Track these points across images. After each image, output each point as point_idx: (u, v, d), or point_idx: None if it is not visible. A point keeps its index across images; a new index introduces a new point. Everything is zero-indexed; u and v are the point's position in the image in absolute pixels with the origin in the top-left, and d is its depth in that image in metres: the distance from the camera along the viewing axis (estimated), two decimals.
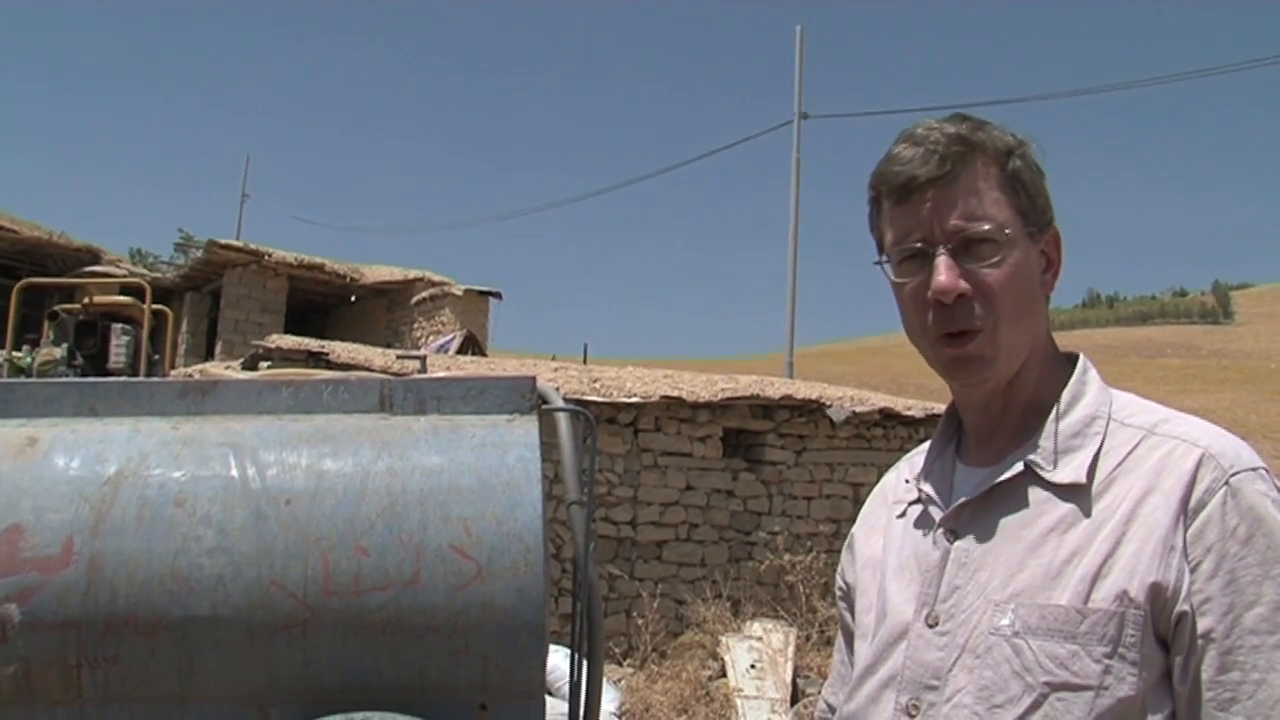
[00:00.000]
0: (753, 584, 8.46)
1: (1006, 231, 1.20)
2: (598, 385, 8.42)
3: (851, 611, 1.43)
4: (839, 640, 1.52)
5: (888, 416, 9.27)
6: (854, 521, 1.49)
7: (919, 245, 1.22)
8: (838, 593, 1.50)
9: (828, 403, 8.92)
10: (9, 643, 0.95)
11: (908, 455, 1.46)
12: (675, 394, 8.37)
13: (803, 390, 9.23)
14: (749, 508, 8.73)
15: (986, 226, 1.19)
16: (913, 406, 9.46)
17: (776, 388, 9.08)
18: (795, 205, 17.71)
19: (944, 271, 1.19)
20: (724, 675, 7.39)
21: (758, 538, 8.65)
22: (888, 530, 1.38)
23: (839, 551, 8.31)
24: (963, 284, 1.19)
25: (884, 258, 1.28)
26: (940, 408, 9.33)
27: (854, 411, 8.98)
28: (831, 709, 1.48)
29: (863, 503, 1.47)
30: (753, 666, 7.26)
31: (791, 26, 18.69)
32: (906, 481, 1.37)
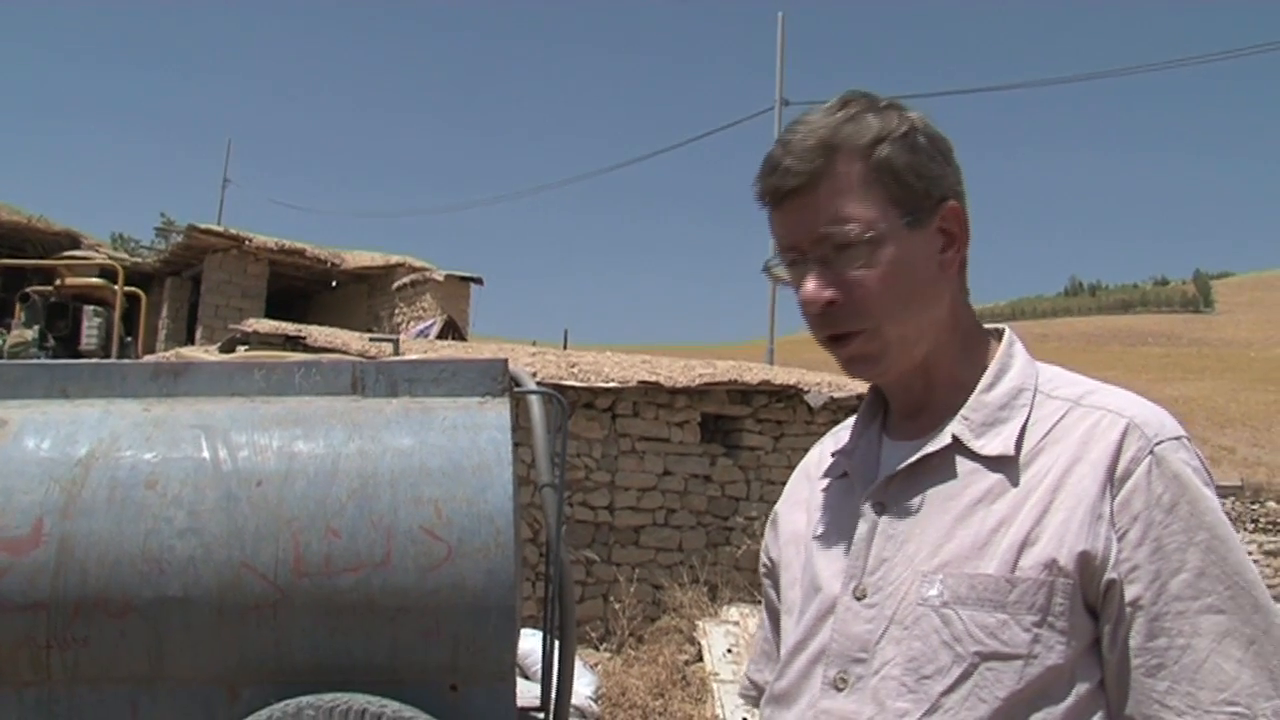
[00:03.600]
0: (730, 569, 8.49)
1: (872, 231, 1.18)
2: (576, 370, 8.42)
3: (776, 588, 1.42)
4: (763, 617, 1.51)
5: None
6: None
7: (793, 255, 1.23)
8: (762, 569, 1.49)
9: (805, 388, 8.95)
10: None
11: (832, 431, 1.46)
12: (653, 379, 8.39)
13: (780, 376, 9.25)
14: (726, 493, 8.76)
15: (850, 228, 1.18)
16: None
17: (754, 373, 9.10)
18: None
19: (809, 282, 1.21)
20: (700, 660, 7.43)
21: (735, 523, 8.69)
22: (809, 505, 1.37)
23: None
24: (826, 293, 1.20)
25: (775, 261, 1.28)
26: None
27: (831, 397, 9.00)
28: (756, 686, 1.47)
29: None
30: (729, 651, 7.30)
31: (773, 12, 18.63)
32: (832, 456, 1.37)
